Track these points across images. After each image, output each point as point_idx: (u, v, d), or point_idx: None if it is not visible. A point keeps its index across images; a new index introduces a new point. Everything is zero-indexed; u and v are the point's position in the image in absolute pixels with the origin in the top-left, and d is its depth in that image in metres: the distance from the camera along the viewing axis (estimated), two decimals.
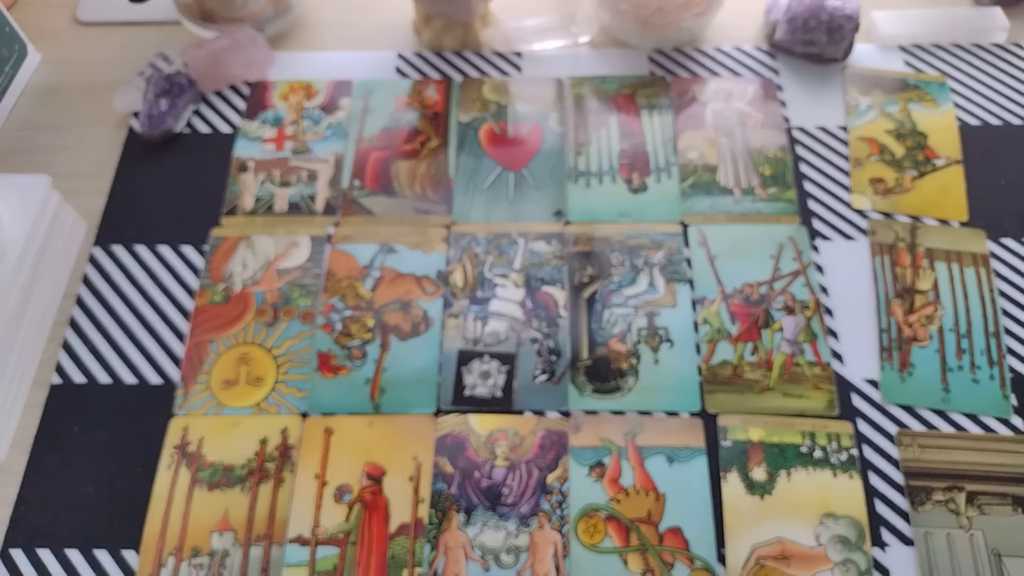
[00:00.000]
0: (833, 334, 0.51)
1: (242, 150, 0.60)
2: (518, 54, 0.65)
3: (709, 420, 0.48)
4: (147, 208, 0.57)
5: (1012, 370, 0.49)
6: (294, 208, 0.57)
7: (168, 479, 0.46)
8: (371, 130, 0.60)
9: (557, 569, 0.44)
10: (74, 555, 0.45)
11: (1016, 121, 0.60)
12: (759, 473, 0.46)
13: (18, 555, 0.45)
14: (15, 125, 0.62)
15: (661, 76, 0.63)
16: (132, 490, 0.46)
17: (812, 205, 0.56)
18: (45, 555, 0.45)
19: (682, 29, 0.62)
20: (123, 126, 0.61)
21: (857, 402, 0.48)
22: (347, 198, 0.57)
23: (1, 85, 0.61)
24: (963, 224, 0.55)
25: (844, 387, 0.49)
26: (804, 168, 0.58)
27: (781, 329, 0.51)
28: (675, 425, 0.48)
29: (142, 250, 0.55)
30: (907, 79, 0.62)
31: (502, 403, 0.49)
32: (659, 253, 0.54)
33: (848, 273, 0.53)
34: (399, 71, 0.64)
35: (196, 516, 0.45)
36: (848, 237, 0.55)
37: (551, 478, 0.46)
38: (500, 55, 0.65)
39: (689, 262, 0.54)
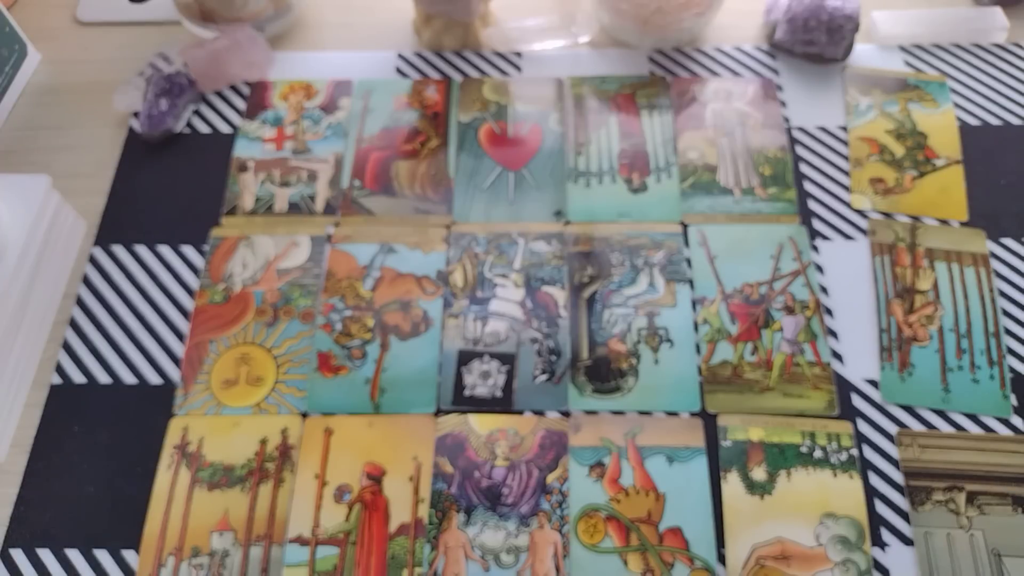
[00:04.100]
0: (833, 334, 0.51)
1: (242, 150, 0.60)
2: (518, 54, 0.65)
3: (709, 420, 0.48)
4: (147, 208, 0.57)
5: (1012, 370, 0.49)
6: (294, 208, 0.57)
7: (168, 479, 0.46)
8: (371, 130, 0.60)
9: (557, 569, 0.44)
10: (74, 555, 0.45)
11: (1016, 121, 0.60)
12: (759, 473, 0.46)
13: (18, 555, 0.45)
14: (15, 125, 0.62)
15: (661, 76, 0.63)
16: (132, 490, 0.46)
17: (812, 205, 0.56)
18: (45, 555, 0.45)
19: (682, 29, 0.62)
20: (123, 126, 0.61)
21: (857, 402, 0.48)
22: (347, 198, 0.57)
23: (1, 85, 0.61)
24: (963, 224, 0.55)
25: (844, 387, 0.49)
26: (804, 168, 0.58)
27: (781, 329, 0.51)
28: (675, 425, 0.48)
29: (142, 250, 0.55)
30: (907, 79, 0.62)
31: (502, 403, 0.49)
32: (659, 253, 0.54)
33: (848, 273, 0.53)
34: (399, 71, 0.64)
35: (196, 516, 0.45)
36: (848, 237, 0.55)
37: (551, 478, 0.46)
38: (500, 55, 0.65)
39: (689, 262, 0.54)
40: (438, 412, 0.49)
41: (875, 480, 0.46)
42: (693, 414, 0.48)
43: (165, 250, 0.55)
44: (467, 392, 0.49)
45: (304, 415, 0.49)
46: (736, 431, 0.47)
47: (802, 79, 0.62)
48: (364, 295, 0.53)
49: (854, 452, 0.47)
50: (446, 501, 0.46)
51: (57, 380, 0.50)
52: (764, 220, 0.55)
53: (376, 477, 0.46)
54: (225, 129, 0.61)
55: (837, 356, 0.50)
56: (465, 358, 0.50)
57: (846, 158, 0.58)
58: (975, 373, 0.49)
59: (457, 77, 0.63)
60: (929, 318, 0.51)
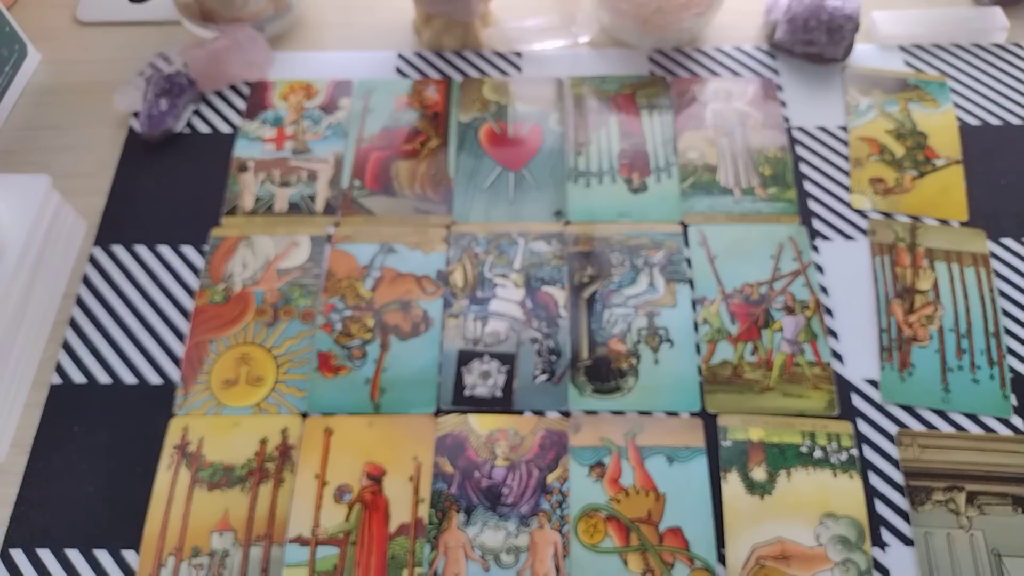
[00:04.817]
0: (833, 334, 0.51)
1: (242, 150, 0.60)
2: (518, 54, 0.65)
3: (709, 420, 0.48)
4: (147, 208, 0.57)
5: (1012, 370, 0.49)
6: (294, 208, 0.57)
7: (168, 479, 0.46)
8: (371, 130, 0.60)
9: (557, 569, 0.44)
10: (74, 555, 0.45)
11: (1016, 121, 0.60)
12: (759, 473, 0.46)
13: (18, 555, 0.45)
14: (15, 125, 0.62)
15: (661, 76, 0.63)
16: (132, 490, 0.46)
17: (812, 205, 0.56)
18: (45, 555, 0.45)
19: (682, 29, 0.62)
20: (123, 126, 0.61)
21: (857, 402, 0.48)
22: (347, 198, 0.57)
23: (1, 85, 0.61)
24: (963, 224, 0.55)
25: (844, 387, 0.49)
26: (804, 168, 0.58)
27: (781, 329, 0.51)
28: (675, 425, 0.48)
29: (142, 250, 0.55)
30: (907, 79, 0.62)
31: (502, 403, 0.49)
32: (659, 253, 0.54)
33: (848, 273, 0.53)
34: (399, 71, 0.64)
35: (196, 516, 0.45)
36: (848, 237, 0.55)
37: (551, 478, 0.46)
38: (500, 55, 0.65)
39: (689, 262, 0.54)
40: (438, 412, 0.49)
41: (875, 480, 0.46)
42: (693, 414, 0.48)
43: (165, 250, 0.55)
44: (467, 392, 0.49)
45: (304, 415, 0.49)
46: (736, 431, 0.47)
47: (802, 79, 0.62)
48: (364, 295, 0.53)
49: (854, 452, 0.47)
50: (446, 501, 0.46)
51: (57, 380, 0.50)
52: (764, 220, 0.55)
53: (376, 477, 0.46)
54: (225, 129, 0.61)
55: (837, 356, 0.50)
56: (465, 358, 0.50)
57: (846, 158, 0.58)
58: (975, 373, 0.49)
59: (457, 77, 0.63)
60: (929, 318, 0.51)
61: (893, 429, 0.47)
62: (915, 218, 0.55)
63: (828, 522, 0.44)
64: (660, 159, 0.58)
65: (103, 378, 0.50)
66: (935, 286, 0.52)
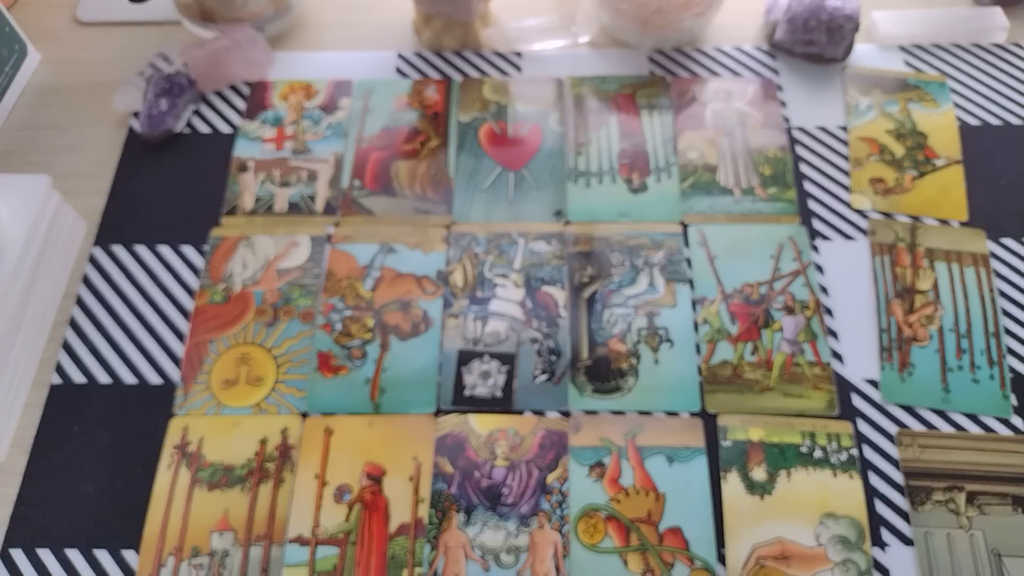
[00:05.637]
0: (833, 334, 0.51)
1: (242, 150, 0.60)
2: (518, 54, 0.65)
3: (709, 420, 0.48)
4: (147, 208, 0.57)
5: (1012, 370, 0.49)
6: (294, 208, 0.57)
7: (168, 479, 0.46)
8: (371, 130, 0.60)
9: (557, 569, 0.44)
10: (74, 555, 0.45)
11: (1016, 121, 0.60)
12: (759, 473, 0.46)
13: (18, 555, 0.45)
14: (15, 125, 0.62)
15: (661, 76, 0.63)
16: (132, 490, 0.46)
17: (812, 205, 0.56)
18: (45, 555, 0.45)
19: (682, 29, 0.62)
20: (123, 126, 0.61)
21: (857, 402, 0.48)
22: (347, 198, 0.57)
23: (1, 85, 0.61)
24: (963, 224, 0.55)
25: (844, 387, 0.49)
26: (804, 168, 0.58)
27: (781, 329, 0.51)
28: (675, 425, 0.48)
29: (142, 250, 0.55)
30: (907, 79, 0.62)
31: (502, 403, 0.49)
32: (659, 253, 0.54)
33: (848, 273, 0.53)
34: (399, 71, 0.64)
35: (196, 516, 0.45)
36: (848, 237, 0.55)
37: (551, 478, 0.46)
38: (500, 55, 0.65)
39: (689, 262, 0.54)
40: (438, 412, 0.49)
41: (875, 480, 0.46)
42: (693, 414, 0.48)
43: (165, 250, 0.55)
44: (467, 392, 0.49)
45: (304, 415, 0.49)
46: (736, 431, 0.47)
47: (802, 79, 0.62)
48: (364, 295, 0.53)
49: (854, 452, 0.47)
50: (446, 501, 0.46)
51: (57, 380, 0.50)
52: (764, 220, 0.55)
53: (376, 477, 0.46)
54: (225, 129, 0.61)
55: (837, 356, 0.50)
56: (465, 358, 0.50)
57: (846, 158, 0.58)
58: (975, 373, 0.49)
59: (457, 77, 0.63)
60: (929, 318, 0.51)
61: (893, 429, 0.47)
62: (915, 218, 0.55)
63: (828, 522, 0.44)
64: (660, 159, 0.58)
65: (103, 378, 0.50)
66: (935, 286, 0.52)
